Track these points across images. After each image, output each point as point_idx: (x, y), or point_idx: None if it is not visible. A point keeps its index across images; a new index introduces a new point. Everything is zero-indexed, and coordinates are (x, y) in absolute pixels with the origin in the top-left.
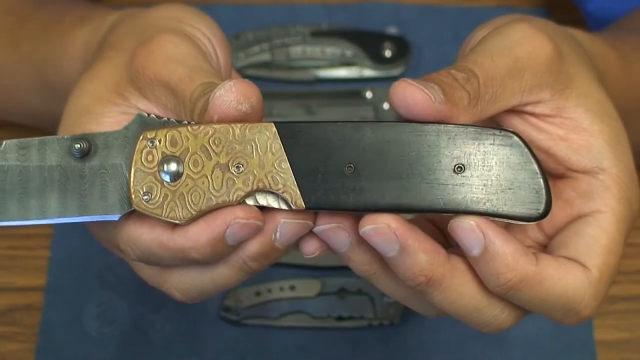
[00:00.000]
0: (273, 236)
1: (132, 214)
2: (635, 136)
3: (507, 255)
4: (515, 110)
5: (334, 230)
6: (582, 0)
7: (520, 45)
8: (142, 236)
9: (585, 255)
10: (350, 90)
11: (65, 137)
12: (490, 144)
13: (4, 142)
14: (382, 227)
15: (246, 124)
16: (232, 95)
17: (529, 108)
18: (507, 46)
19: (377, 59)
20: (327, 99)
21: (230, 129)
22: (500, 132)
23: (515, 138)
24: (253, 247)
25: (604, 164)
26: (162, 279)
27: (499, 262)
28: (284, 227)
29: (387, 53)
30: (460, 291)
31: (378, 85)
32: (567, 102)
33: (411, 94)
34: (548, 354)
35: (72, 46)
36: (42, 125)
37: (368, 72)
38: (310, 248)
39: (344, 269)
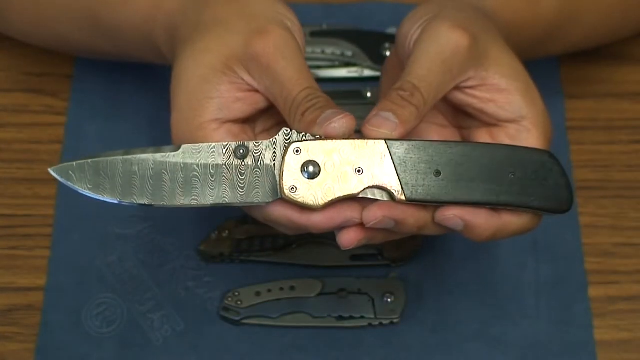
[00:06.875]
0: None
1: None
2: (555, 49)
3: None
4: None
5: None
6: None
7: (445, 47)
8: (275, 213)
9: None
10: (350, 90)
11: (230, 143)
12: (531, 158)
13: (182, 146)
14: (452, 218)
15: (365, 140)
16: (343, 129)
17: (461, 84)
18: (436, 51)
19: (377, 59)
20: None
21: (352, 144)
22: (539, 151)
23: (548, 154)
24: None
25: (523, 113)
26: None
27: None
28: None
29: (387, 53)
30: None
31: (378, 85)
32: (487, 72)
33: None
34: (548, 354)
35: None
36: (68, 51)
37: (368, 72)
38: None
39: (344, 269)
